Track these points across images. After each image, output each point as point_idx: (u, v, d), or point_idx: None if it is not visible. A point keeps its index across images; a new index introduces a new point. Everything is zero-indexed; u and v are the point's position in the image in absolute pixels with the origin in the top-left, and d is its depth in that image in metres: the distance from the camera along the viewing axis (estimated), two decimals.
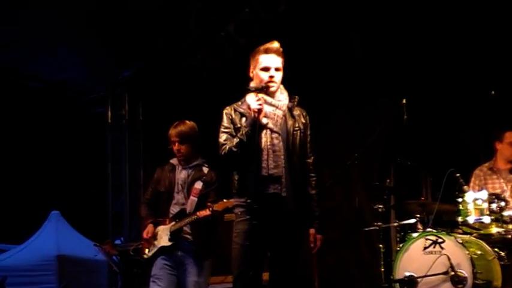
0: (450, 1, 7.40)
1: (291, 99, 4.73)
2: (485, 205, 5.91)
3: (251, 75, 4.71)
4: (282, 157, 4.54)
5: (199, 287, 5.57)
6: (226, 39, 8.21)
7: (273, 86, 4.60)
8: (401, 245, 6.14)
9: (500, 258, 5.86)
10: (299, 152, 4.64)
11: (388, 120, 7.07)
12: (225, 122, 4.69)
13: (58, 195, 10.63)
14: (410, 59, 7.78)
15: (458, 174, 6.08)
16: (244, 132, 4.51)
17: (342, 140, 8.29)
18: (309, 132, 4.76)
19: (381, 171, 7.89)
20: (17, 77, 10.08)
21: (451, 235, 5.90)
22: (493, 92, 6.88)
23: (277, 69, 4.63)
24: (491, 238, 6.02)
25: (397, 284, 5.97)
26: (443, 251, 5.78)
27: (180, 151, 5.75)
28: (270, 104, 4.60)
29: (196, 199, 5.67)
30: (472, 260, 5.67)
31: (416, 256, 5.91)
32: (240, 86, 4.67)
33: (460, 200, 6.00)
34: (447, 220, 6.50)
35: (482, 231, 6.09)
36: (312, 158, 4.76)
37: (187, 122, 5.85)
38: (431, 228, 6.14)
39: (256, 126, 4.45)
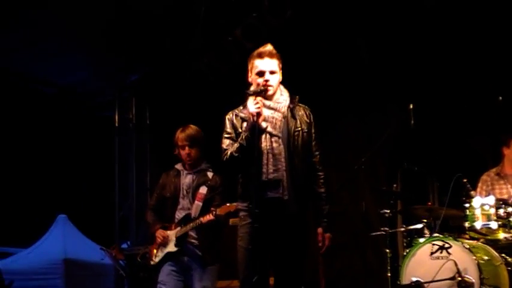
0: (457, 7, 7.38)
1: (291, 99, 4.71)
2: (493, 210, 5.88)
3: (249, 80, 4.70)
4: (283, 160, 4.53)
5: None
6: (234, 43, 8.21)
7: (269, 90, 4.58)
8: (408, 250, 6.12)
9: (507, 263, 5.82)
10: (301, 154, 4.61)
11: (395, 125, 7.07)
12: (227, 127, 4.70)
13: (65, 199, 10.66)
14: (418, 64, 7.77)
15: (465, 180, 6.06)
16: (243, 136, 4.50)
17: (349, 145, 8.28)
18: (313, 131, 4.72)
19: (387, 176, 7.87)
20: (26, 81, 10.12)
21: (458, 240, 5.88)
22: (500, 98, 6.87)
23: (272, 72, 4.61)
24: (499, 244, 6.00)
25: None
26: (450, 257, 5.76)
27: (190, 155, 5.76)
28: (269, 107, 4.58)
29: (201, 204, 5.68)
30: (479, 265, 5.65)
31: (423, 261, 5.89)
32: (245, 90, 4.66)
33: (467, 205, 5.98)
34: (454, 225, 6.47)
35: (489, 237, 6.07)
36: (318, 156, 4.71)
37: (193, 126, 5.87)
38: (438, 233, 6.12)
39: (255, 130, 4.44)
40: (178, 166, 5.90)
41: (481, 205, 5.93)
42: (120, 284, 8.68)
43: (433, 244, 5.89)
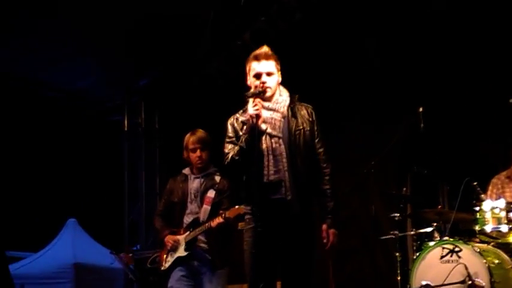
0: (467, 9, 7.37)
1: (291, 98, 4.68)
2: (503, 214, 5.86)
3: (248, 83, 4.67)
4: (284, 160, 4.49)
5: None
6: (242, 47, 8.22)
7: (267, 92, 4.55)
8: (418, 254, 6.10)
9: None
10: (303, 153, 4.56)
11: (405, 129, 7.05)
12: (229, 131, 4.68)
13: (75, 203, 10.69)
14: (427, 67, 7.75)
15: (475, 183, 6.04)
16: (243, 139, 4.47)
17: (358, 149, 8.26)
18: (316, 128, 4.67)
19: (397, 180, 7.85)
20: (35, 86, 10.17)
21: (468, 244, 5.86)
22: (510, 101, 6.84)
23: (269, 74, 4.58)
24: (509, 247, 5.96)
25: None
26: (461, 260, 5.74)
27: (202, 157, 5.76)
28: (268, 109, 4.55)
29: (209, 207, 5.68)
30: (489, 269, 5.62)
31: (433, 265, 5.88)
32: (244, 93, 4.64)
33: (477, 208, 5.96)
34: (464, 229, 6.45)
35: (500, 240, 6.04)
36: (322, 152, 4.66)
37: (201, 130, 5.88)
38: (448, 237, 6.10)
39: (255, 132, 4.41)
40: (186, 171, 5.91)
41: (492, 208, 5.91)
42: None
43: (443, 248, 5.87)
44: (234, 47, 8.38)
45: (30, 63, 9.40)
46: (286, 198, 4.45)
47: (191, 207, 5.75)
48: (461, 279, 5.65)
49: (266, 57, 4.60)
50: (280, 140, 4.53)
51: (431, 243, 6.07)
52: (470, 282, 5.61)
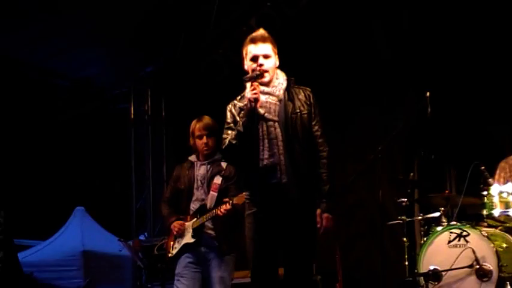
0: None
1: (288, 81, 4.61)
2: (511, 198, 5.84)
3: (245, 67, 4.61)
4: (280, 144, 4.42)
5: (223, 282, 5.57)
6: (248, 33, 8.17)
7: (265, 76, 4.49)
8: (425, 239, 6.11)
9: None
10: (301, 136, 4.49)
11: (412, 114, 7.02)
12: (228, 117, 4.63)
13: (83, 191, 10.72)
14: (434, 51, 7.71)
15: (483, 167, 6.02)
16: (241, 123, 4.42)
17: (366, 134, 8.24)
18: (313, 111, 4.57)
19: (405, 165, 7.84)
20: (42, 74, 10.17)
21: (476, 228, 5.85)
22: None
23: (266, 57, 4.51)
24: None
25: (422, 277, 5.94)
26: (468, 245, 5.73)
27: (208, 144, 5.74)
28: (263, 93, 4.47)
29: (216, 194, 5.66)
30: (497, 253, 5.62)
31: (441, 250, 5.88)
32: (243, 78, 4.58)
33: (485, 193, 5.94)
34: (472, 213, 6.43)
35: (507, 224, 6.04)
36: (319, 134, 4.56)
37: (207, 116, 5.87)
38: (455, 221, 6.09)
39: (252, 115, 4.37)
40: (192, 158, 5.89)
41: (499, 192, 5.87)
42: (138, 275, 8.71)
43: (451, 232, 5.87)
44: (240, 32, 8.35)
45: (37, 51, 9.41)
46: (281, 181, 4.38)
47: (197, 193, 5.74)
48: (469, 263, 5.66)
49: (263, 39, 4.54)
50: (276, 124, 4.46)
51: (439, 228, 6.07)
52: (478, 266, 5.62)
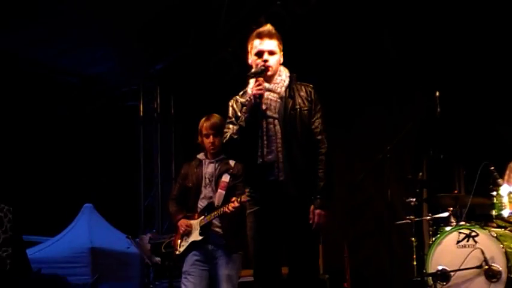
0: None
1: (290, 78, 4.56)
2: None
3: (250, 62, 4.59)
4: (278, 141, 4.39)
5: (230, 280, 5.56)
6: None
7: (269, 71, 4.45)
8: (434, 239, 6.09)
9: None
10: (300, 133, 4.44)
11: (421, 113, 7.00)
12: (229, 113, 4.60)
13: (91, 189, 10.73)
14: (444, 51, 7.69)
15: (492, 167, 6.00)
16: (243, 118, 4.39)
17: (375, 134, 8.23)
18: (314, 107, 4.51)
19: (413, 165, 7.82)
20: (51, 71, 10.19)
21: (485, 229, 5.83)
22: None
23: (271, 53, 4.48)
24: None
25: (430, 277, 5.93)
26: (477, 245, 5.72)
27: (214, 143, 5.74)
28: (265, 89, 4.43)
29: (224, 192, 5.66)
30: (506, 253, 5.61)
31: (450, 250, 5.86)
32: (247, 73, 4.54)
33: (494, 193, 5.93)
34: (481, 213, 6.42)
35: None
36: (318, 132, 4.48)
37: (217, 115, 5.85)
38: (464, 221, 6.08)
39: (256, 111, 4.34)
40: (200, 156, 5.89)
41: (509, 193, 5.88)
42: (145, 273, 8.73)
43: (460, 232, 5.86)
44: (249, 31, 8.34)
45: (46, 49, 9.42)
46: (278, 178, 4.36)
47: (205, 191, 5.74)
48: (478, 264, 5.64)
49: (269, 35, 4.52)
50: (276, 121, 4.43)
51: (448, 228, 6.06)
52: (486, 267, 5.60)
